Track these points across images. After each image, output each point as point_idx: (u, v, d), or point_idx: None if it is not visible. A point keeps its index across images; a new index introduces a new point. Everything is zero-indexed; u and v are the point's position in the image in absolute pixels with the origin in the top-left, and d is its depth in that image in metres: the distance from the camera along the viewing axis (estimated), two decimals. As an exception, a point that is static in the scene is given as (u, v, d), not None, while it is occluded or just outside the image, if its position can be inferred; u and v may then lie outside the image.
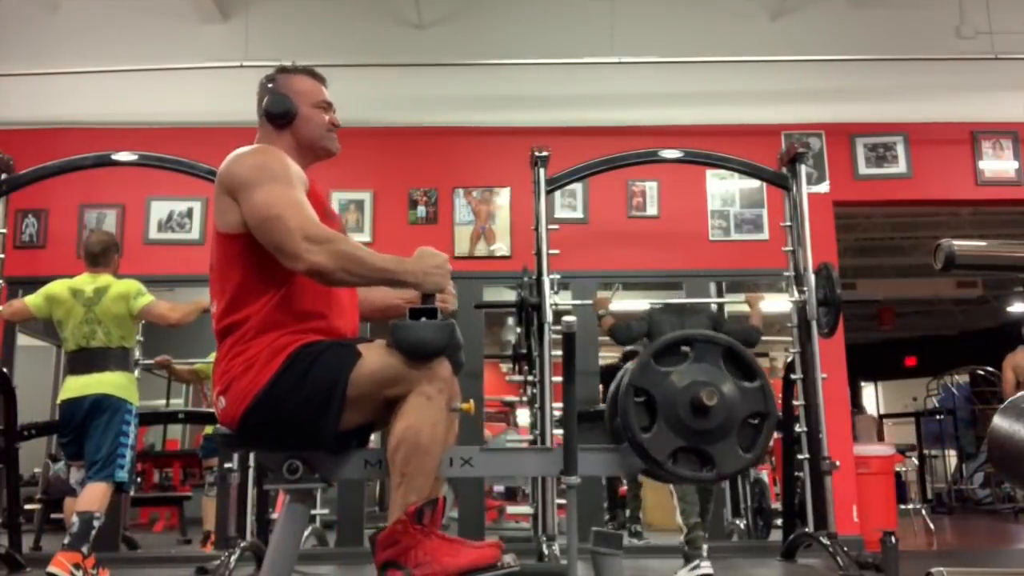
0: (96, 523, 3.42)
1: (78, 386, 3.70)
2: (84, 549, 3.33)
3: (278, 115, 2.00)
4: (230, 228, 1.87)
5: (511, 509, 7.20)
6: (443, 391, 1.78)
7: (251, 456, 4.10)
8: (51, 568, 3.24)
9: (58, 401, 3.78)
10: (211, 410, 5.09)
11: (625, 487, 6.16)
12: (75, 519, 3.40)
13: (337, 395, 1.77)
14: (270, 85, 2.04)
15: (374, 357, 1.80)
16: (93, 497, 3.49)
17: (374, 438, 2.19)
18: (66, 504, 3.91)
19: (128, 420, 3.70)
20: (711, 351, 1.89)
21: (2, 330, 5.27)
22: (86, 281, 3.85)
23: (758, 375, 1.89)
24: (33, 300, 3.86)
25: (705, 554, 3.69)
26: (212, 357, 5.73)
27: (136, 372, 5.27)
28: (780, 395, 4.92)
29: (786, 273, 4.63)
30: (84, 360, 3.74)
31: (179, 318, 3.80)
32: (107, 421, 3.64)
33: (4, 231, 4.79)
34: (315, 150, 2.06)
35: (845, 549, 3.83)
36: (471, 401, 1.93)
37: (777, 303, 5.25)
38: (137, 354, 5.38)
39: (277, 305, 1.85)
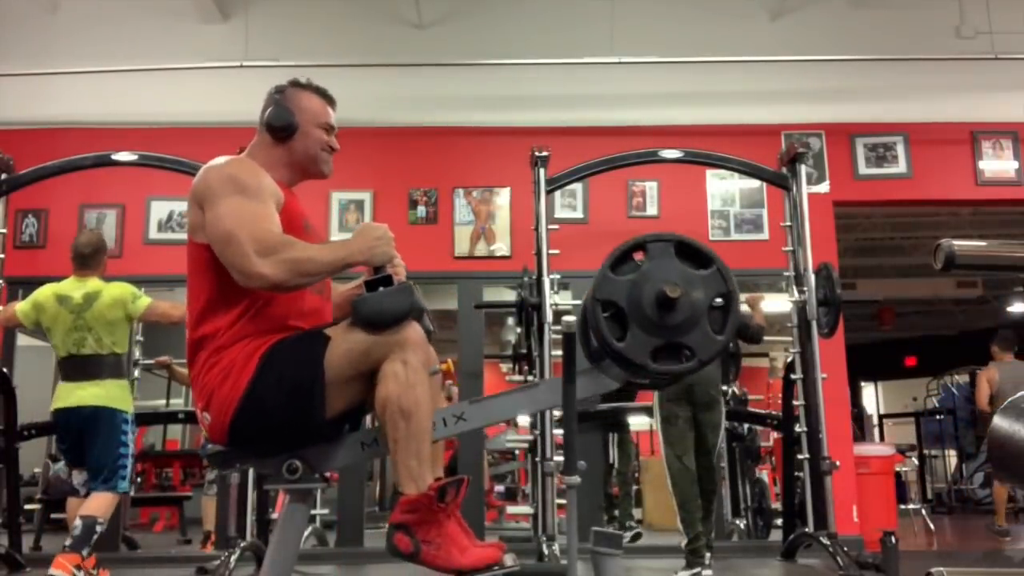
0: (99, 528, 3.44)
1: (70, 395, 3.66)
2: (84, 552, 3.34)
3: (278, 128, 1.99)
4: (200, 238, 1.88)
5: (511, 509, 7.21)
6: (416, 353, 1.79)
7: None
8: (52, 570, 3.24)
9: (51, 408, 3.73)
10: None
11: (618, 488, 6.16)
12: (78, 522, 3.41)
13: (317, 382, 1.78)
14: (277, 96, 2.03)
15: (344, 336, 1.81)
16: (99, 504, 3.51)
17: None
18: (69, 504, 3.92)
19: (125, 430, 3.68)
20: (663, 249, 1.94)
21: (2, 331, 5.27)
22: (74, 286, 3.75)
23: (712, 260, 1.94)
24: (22, 307, 3.80)
25: (708, 562, 3.67)
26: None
27: (136, 372, 5.27)
28: (780, 395, 4.92)
29: (786, 273, 4.63)
30: (76, 367, 3.69)
31: (181, 315, 3.72)
32: (105, 434, 3.63)
33: (4, 231, 4.79)
34: (307, 169, 2.05)
35: (845, 549, 3.84)
36: (449, 361, 1.95)
37: (777, 303, 5.25)
38: (137, 354, 5.41)
39: (250, 318, 1.86)
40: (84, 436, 3.65)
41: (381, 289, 1.80)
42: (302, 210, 2.00)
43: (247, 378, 1.79)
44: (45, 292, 3.77)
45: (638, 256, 1.95)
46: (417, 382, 1.77)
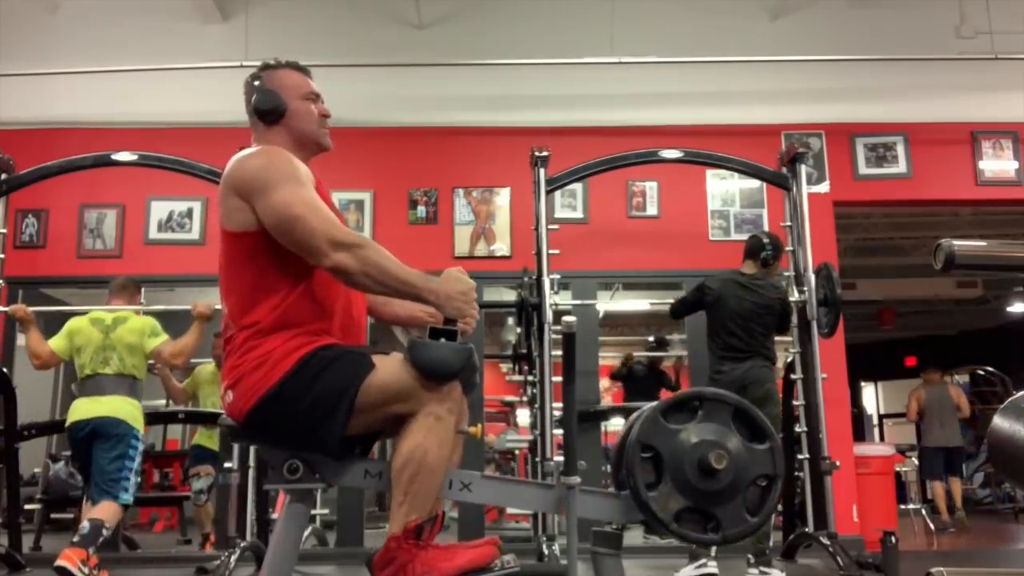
0: (105, 532, 3.52)
1: (85, 409, 3.77)
2: (90, 550, 3.41)
3: (268, 111, 1.98)
4: (240, 227, 1.85)
5: (511, 509, 7.19)
6: (452, 412, 1.79)
7: (251, 456, 4.11)
8: (59, 561, 3.31)
9: (66, 424, 3.82)
10: (209, 411, 5.11)
11: None
12: (86, 523, 3.50)
13: (346, 401, 1.76)
14: (256, 83, 2.03)
15: (388, 370, 1.79)
16: (104, 511, 3.59)
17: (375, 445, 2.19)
18: (84, 507, 3.97)
19: (135, 446, 3.77)
20: (721, 409, 1.87)
21: (2, 330, 5.27)
22: (106, 313, 4.01)
23: (768, 436, 1.87)
24: (55, 343, 3.96)
25: (713, 554, 3.67)
26: (208, 366, 5.68)
27: (145, 378, 5.27)
28: (780, 395, 4.92)
29: (786, 273, 4.63)
30: (96, 385, 3.82)
31: (184, 362, 3.96)
32: (113, 444, 3.71)
33: (4, 231, 4.79)
34: (308, 145, 2.03)
35: (845, 549, 3.83)
36: (479, 425, 1.92)
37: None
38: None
39: (291, 303, 1.84)
40: (92, 445, 3.72)
41: (443, 340, 1.77)
42: (327, 193, 2.00)
43: (281, 373, 1.78)
44: (78, 320, 4.00)
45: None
46: (445, 442, 1.77)
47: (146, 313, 4.14)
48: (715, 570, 3.62)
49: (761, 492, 1.85)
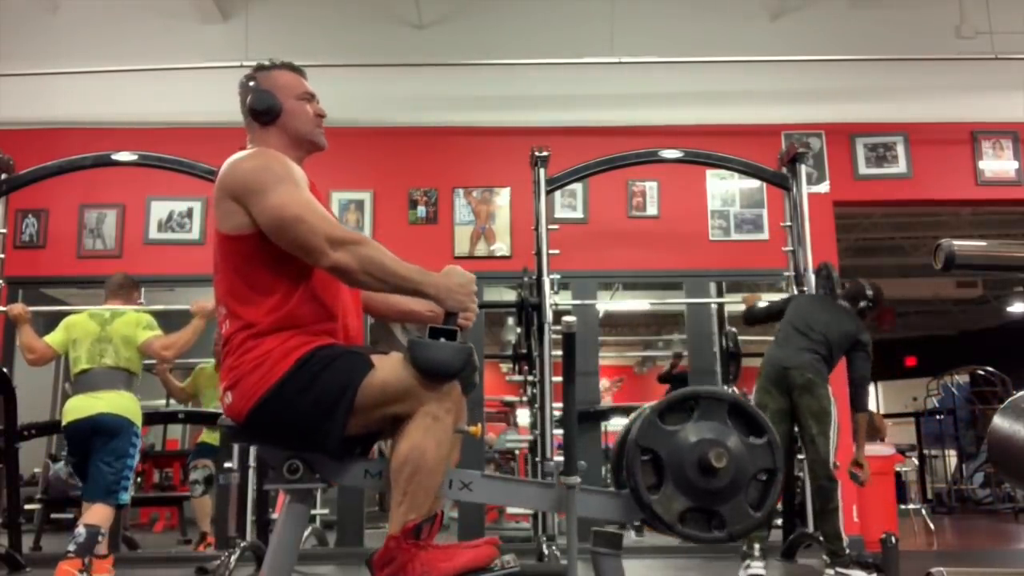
0: (101, 538, 3.50)
1: (83, 406, 3.70)
2: (86, 560, 3.38)
3: (263, 112, 1.98)
4: (236, 230, 1.85)
5: (511, 509, 7.20)
6: (450, 412, 1.78)
7: (251, 456, 4.11)
8: None
9: (63, 424, 3.77)
10: (210, 411, 5.12)
11: None
12: (82, 529, 3.46)
13: (345, 401, 1.76)
14: (251, 83, 2.03)
15: (387, 369, 1.79)
16: (100, 515, 3.56)
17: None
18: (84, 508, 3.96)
19: (134, 443, 3.74)
20: (717, 407, 1.88)
21: (2, 330, 5.27)
22: (103, 309, 3.99)
23: (765, 430, 1.87)
24: (53, 338, 3.93)
25: (757, 553, 3.60)
26: (209, 366, 5.63)
27: (140, 374, 5.29)
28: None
29: (786, 273, 4.64)
30: (91, 380, 3.77)
31: (174, 355, 3.88)
32: (115, 443, 3.66)
33: (4, 231, 4.79)
34: (304, 144, 2.03)
35: (845, 549, 3.83)
36: (479, 424, 1.91)
37: (777, 303, 5.25)
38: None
39: (287, 305, 1.84)
40: (93, 443, 3.67)
41: (443, 340, 1.77)
42: (321, 196, 1.98)
43: (279, 374, 1.78)
44: (75, 316, 3.97)
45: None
46: (444, 441, 1.76)
47: (146, 313, 4.12)
48: (761, 571, 3.58)
49: (762, 486, 1.86)
